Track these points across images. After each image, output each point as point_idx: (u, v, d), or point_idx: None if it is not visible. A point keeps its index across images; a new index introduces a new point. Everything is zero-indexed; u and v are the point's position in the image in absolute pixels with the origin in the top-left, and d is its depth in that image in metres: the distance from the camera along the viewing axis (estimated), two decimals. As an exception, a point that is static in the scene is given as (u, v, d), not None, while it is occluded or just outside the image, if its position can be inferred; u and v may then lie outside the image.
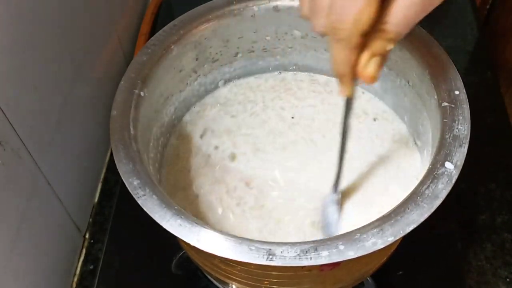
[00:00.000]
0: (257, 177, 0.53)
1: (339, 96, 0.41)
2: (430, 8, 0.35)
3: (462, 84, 0.46)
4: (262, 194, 0.51)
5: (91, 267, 0.62)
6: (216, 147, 0.56)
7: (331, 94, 0.60)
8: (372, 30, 0.34)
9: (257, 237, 0.48)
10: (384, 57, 0.36)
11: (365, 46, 0.36)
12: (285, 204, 0.51)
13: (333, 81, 0.60)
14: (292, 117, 0.58)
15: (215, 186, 0.52)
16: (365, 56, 0.36)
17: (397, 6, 0.34)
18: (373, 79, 0.37)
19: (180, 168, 0.54)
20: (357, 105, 0.58)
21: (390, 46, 0.36)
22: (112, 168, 0.69)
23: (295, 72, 0.62)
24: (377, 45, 0.36)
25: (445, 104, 0.45)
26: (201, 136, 0.57)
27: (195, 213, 0.50)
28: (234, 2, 0.55)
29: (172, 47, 0.52)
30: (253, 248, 0.37)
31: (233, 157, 0.55)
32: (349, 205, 0.50)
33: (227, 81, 0.61)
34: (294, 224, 0.50)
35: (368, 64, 0.36)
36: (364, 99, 0.59)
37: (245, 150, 0.55)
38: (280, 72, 0.62)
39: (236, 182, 0.52)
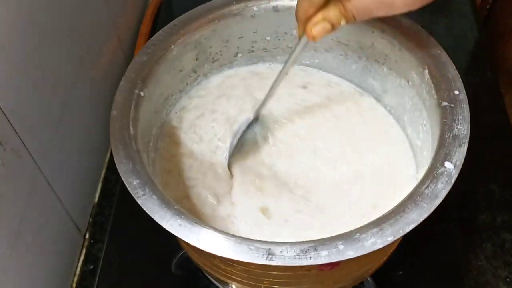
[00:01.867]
0: (254, 176, 0.53)
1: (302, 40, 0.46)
2: (391, 12, 0.40)
3: (462, 84, 0.46)
4: (261, 193, 0.51)
5: (91, 267, 0.62)
6: (209, 146, 0.55)
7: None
8: None
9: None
10: (333, 27, 0.42)
11: (323, 8, 0.42)
12: (277, 199, 0.51)
13: (333, 80, 0.61)
14: (290, 115, 0.58)
15: (206, 183, 0.52)
16: (318, 16, 0.42)
17: None
18: (314, 38, 0.43)
19: (171, 166, 0.54)
20: (356, 104, 0.59)
21: (343, 22, 0.42)
22: (112, 168, 0.69)
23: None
24: (332, 13, 0.42)
25: (445, 104, 0.45)
26: (187, 133, 0.56)
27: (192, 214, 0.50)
28: (234, 2, 0.55)
29: (172, 47, 0.52)
30: (253, 247, 0.37)
31: (226, 155, 0.55)
32: (344, 202, 0.50)
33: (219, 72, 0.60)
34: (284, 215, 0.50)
35: (316, 25, 0.42)
36: (363, 99, 0.59)
37: (245, 149, 0.55)
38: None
39: (231, 181, 0.52)
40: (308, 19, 0.43)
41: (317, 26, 0.42)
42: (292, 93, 0.60)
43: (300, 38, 0.46)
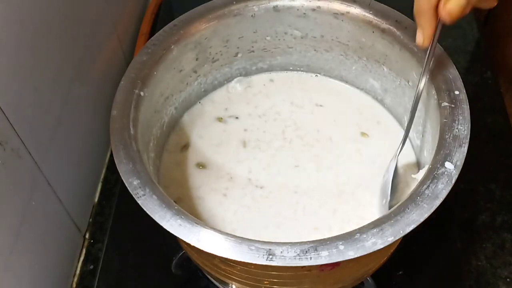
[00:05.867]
0: (254, 177, 0.53)
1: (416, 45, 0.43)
2: None
3: (462, 84, 0.46)
4: (261, 195, 0.51)
5: (91, 267, 0.62)
6: (215, 147, 0.56)
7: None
8: None
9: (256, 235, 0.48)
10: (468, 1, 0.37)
11: None
12: (282, 204, 0.51)
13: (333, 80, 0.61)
14: (289, 118, 0.58)
15: (212, 186, 0.52)
16: None
17: None
18: (451, 16, 0.38)
19: (177, 167, 0.54)
20: (357, 106, 0.59)
21: None
22: (112, 168, 0.69)
23: (295, 72, 0.62)
24: None
25: (445, 104, 0.45)
26: (199, 137, 0.57)
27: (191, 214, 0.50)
28: (234, 2, 0.55)
29: (172, 47, 0.52)
30: (253, 248, 0.37)
31: (231, 156, 0.55)
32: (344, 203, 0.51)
33: (227, 81, 0.61)
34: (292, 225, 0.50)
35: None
36: (364, 100, 0.59)
37: (244, 151, 0.55)
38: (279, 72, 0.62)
39: (233, 183, 0.52)
40: (434, 6, 0.39)
41: (451, 1, 0.38)
42: (291, 94, 0.60)
43: (424, 42, 0.42)
